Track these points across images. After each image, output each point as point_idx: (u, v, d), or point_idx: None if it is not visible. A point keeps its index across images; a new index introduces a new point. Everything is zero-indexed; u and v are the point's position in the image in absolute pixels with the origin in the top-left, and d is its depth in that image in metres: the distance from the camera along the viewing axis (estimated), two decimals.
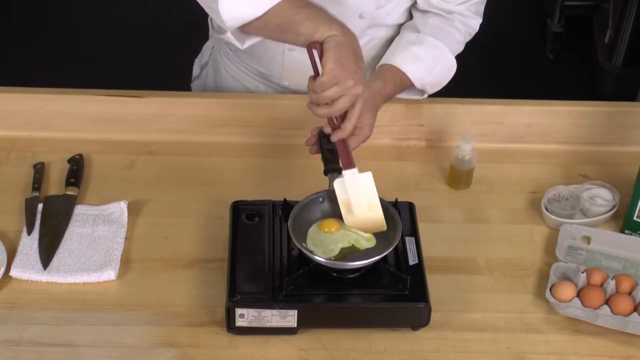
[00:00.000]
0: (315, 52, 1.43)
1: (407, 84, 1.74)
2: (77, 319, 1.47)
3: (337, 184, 1.48)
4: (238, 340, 1.44)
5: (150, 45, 3.66)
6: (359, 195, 1.48)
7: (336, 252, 1.45)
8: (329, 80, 1.40)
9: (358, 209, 1.48)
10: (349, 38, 1.44)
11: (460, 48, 1.79)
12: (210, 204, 1.67)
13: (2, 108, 1.81)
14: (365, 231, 1.48)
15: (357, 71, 1.43)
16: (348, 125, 1.46)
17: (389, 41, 1.80)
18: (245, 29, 1.58)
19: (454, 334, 1.47)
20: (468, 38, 1.81)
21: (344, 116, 1.47)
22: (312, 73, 1.84)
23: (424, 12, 1.75)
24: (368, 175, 1.49)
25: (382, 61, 1.74)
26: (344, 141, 1.49)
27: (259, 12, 1.51)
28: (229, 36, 1.60)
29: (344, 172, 1.48)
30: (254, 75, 1.90)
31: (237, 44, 1.62)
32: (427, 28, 1.74)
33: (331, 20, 1.47)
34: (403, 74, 1.71)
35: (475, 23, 1.79)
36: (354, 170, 1.48)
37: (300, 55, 1.80)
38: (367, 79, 1.48)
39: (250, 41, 1.63)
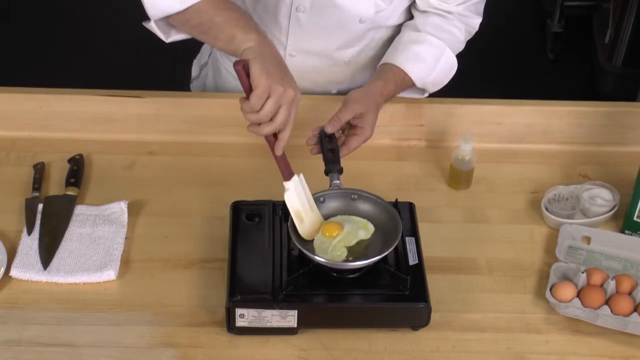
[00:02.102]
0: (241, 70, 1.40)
1: (408, 84, 1.73)
2: (77, 319, 1.47)
3: (288, 197, 1.46)
4: (238, 340, 1.44)
5: (150, 46, 3.66)
6: (304, 200, 1.48)
7: (344, 255, 1.46)
8: (262, 91, 1.37)
9: (306, 215, 1.47)
10: (267, 47, 1.44)
11: (461, 47, 1.79)
12: (210, 204, 1.67)
13: (2, 108, 1.81)
14: (314, 235, 1.47)
15: (284, 77, 1.41)
16: (287, 135, 1.44)
17: (389, 41, 1.80)
18: (170, 22, 1.59)
19: (454, 334, 1.47)
20: (468, 37, 1.80)
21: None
22: (312, 76, 1.84)
23: (424, 12, 1.75)
24: (301, 177, 1.48)
25: (383, 60, 1.74)
26: (283, 152, 1.45)
27: (180, 6, 1.52)
28: (153, 26, 1.60)
29: (289, 183, 1.46)
30: None
31: (162, 36, 1.63)
32: (428, 27, 1.74)
33: (249, 28, 1.46)
34: (405, 73, 1.71)
35: (475, 22, 1.79)
36: (295, 177, 1.47)
37: (300, 61, 1.80)
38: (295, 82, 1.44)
39: (176, 36, 1.63)
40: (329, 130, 1.58)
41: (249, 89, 1.39)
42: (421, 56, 1.72)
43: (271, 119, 1.40)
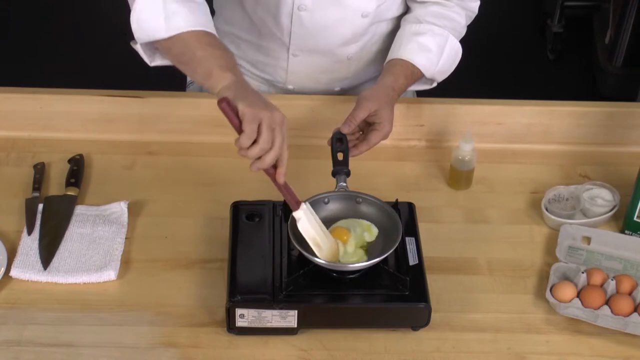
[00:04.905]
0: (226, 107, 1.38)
1: (417, 75, 1.73)
2: (77, 319, 1.46)
3: (303, 227, 1.44)
4: (238, 341, 1.44)
5: None
6: (316, 226, 1.46)
7: (355, 257, 1.46)
8: (251, 119, 1.36)
9: (322, 240, 1.46)
10: (243, 84, 1.45)
11: (463, 32, 1.79)
12: (210, 204, 1.67)
13: (2, 108, 1.81)
14: (334, 259, 1.46)
15: (267, 104, 1.41)
16: (285, 159, 1.41)
17: (389, 35, 1.80)
18: (155, 46, 1.61)
19: (454, 334, 1.47)
20: (469, 21, 1.80)
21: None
22: (316, 74, 1.84)
23: (422, 2, 1.75)
24: (307, 204, 1.46)
25: (390, 56, 1.74)
26: (286, 182, 1.43)
27: (165, 34, 1.54)
28: (138, 48, 1.62)
29: (299, 213, 1.44)
30: (257, 77, 1.90)
31: (146, 58, 1.64)
32: (428, 17, 1.74)
33: (227, 67, 1.47)
34: (413, 65, 1.71)
35: (474, 5, 1.79)
36: (303, 205, 1.45)
37: (303, 60, 1.80)
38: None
39: (160, 61, 1.64)
40: (345, 130, 1.58)
41: (238, 124, 1.37)
42: (426, 46, 1.71)
43: (272, 145, 1.39)
